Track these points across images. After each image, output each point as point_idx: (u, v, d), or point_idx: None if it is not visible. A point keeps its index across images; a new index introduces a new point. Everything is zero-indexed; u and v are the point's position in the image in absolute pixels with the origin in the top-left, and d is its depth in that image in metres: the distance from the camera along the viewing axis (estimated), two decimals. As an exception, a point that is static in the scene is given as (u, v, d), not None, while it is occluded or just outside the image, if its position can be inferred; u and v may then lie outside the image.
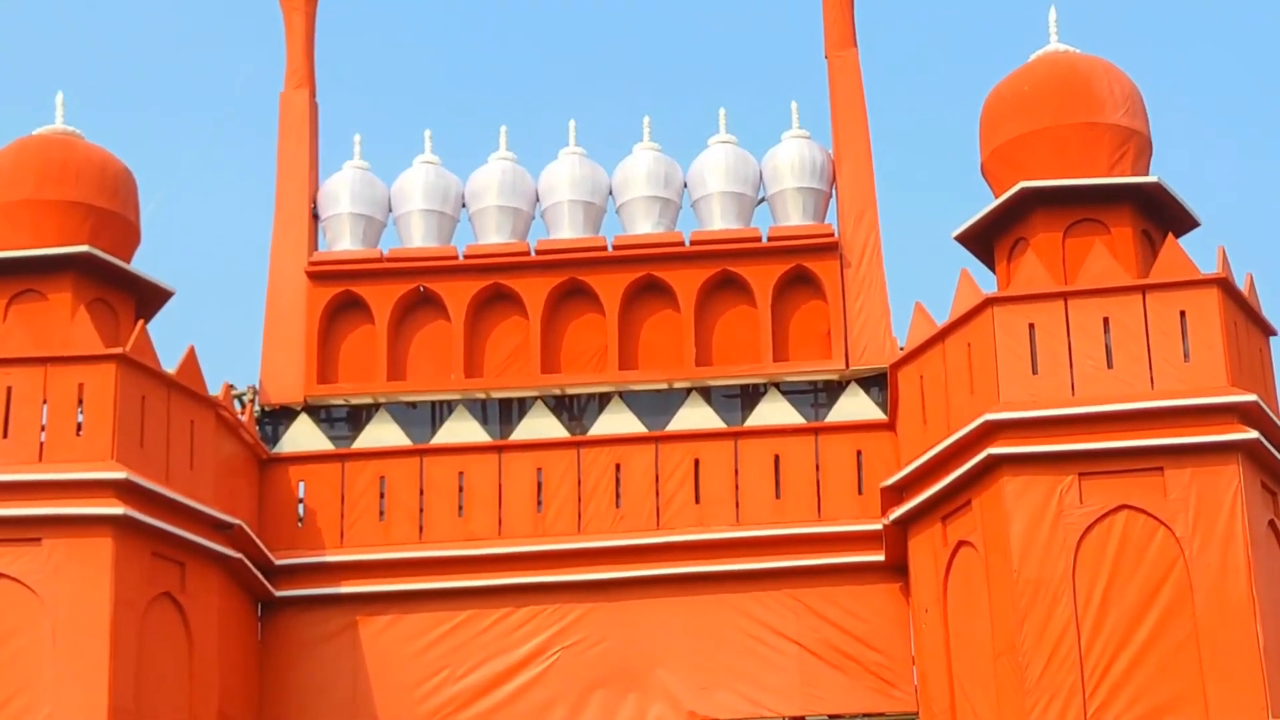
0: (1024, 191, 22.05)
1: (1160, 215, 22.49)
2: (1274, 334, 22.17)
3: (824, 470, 23.53)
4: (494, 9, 72.77)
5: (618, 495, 23.60)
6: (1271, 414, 20.86)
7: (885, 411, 23.66)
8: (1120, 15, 66.69)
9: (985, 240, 23.18)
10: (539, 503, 23.66)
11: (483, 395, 24.71)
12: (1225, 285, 20.88)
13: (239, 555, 22.14)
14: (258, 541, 22.68)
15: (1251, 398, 20.23)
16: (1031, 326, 20.93)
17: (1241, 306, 21.39)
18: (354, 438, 24.47)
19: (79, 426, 20.95)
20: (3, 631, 19.97)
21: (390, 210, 26.01)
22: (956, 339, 21.69)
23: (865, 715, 22.68)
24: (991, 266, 23.26)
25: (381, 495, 23.82)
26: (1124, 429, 20.31)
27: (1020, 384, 20.72)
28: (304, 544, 23.56)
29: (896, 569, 22.71)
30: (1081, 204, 22.22)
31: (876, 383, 24.01)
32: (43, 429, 20.89)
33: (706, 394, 24.52)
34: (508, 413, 24.66)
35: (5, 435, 20.82)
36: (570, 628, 22.94)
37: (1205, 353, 20.47)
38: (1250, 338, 21.41)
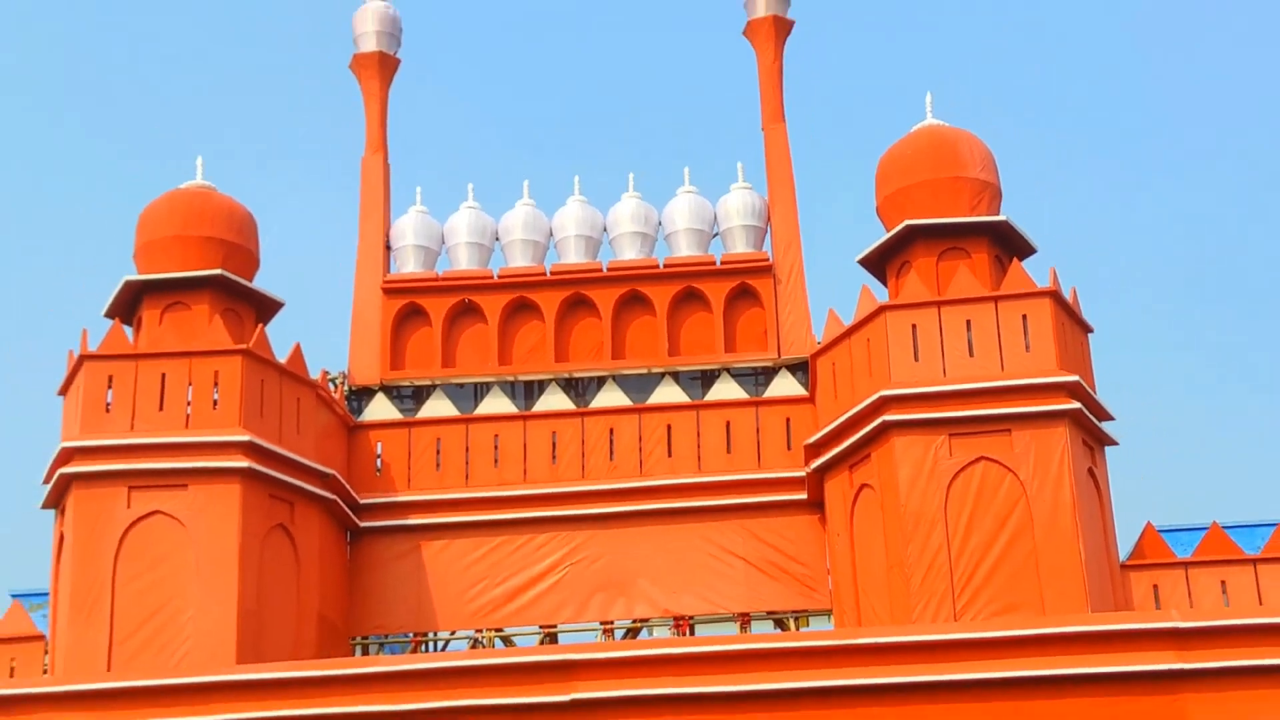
0: (907, 228, 22.19)
1: (1008, 244, 22.56)
2: (1091, 331, 22.35)
3: (762, 433, 23.73)
4: (520, 93, 73.19)
5: (611, 450, 23.75)
6: (1090, 390, 21.23)
7: (807, 389, 23.77)
8: (980, 96, 67.19)
9: (880, 263, 23.19)
10: (554, 457, 23.78)
11: (511, 378, 24.78)
12: (1055, 296, 21.20)
13: (333, 496, 22.43)
14: (347, 486, 22.89)
15: (1075, 379, 20.60)
16: (914, 326, 21.17)
17: (1067, 311, 21.66)
18: (417, 409, 24.61)
19: (215, 402, 21.14)
20: (160, 554, 20.27)
21: (443, 242, 25.99)
22: (859, 336, 21.85)
23: (794, 612, 23.01)
24: (884, 282, 23.25)
25: (438, 452, 23.93)
26: (982, 401, 20.59)
27: (905, 369, 20.95)
28: (381, 488, 23.69)
29: (816, 504, 22.88)
30: (950, 237, 22.32)
31: (801, 368, 24.07)
32: (188, 404, 21.11)
33: (676, 376, 24.61)
34: (530, 391, 24.76)
35: (161, 409, 21.01)
36: (577, 549, 23.12)
37: (1040, 345, 20.75)
38: (1074, 334, 21.70)
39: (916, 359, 21.01)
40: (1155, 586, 21.09)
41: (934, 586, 19.90)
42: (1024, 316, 20.93)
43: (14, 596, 23.20)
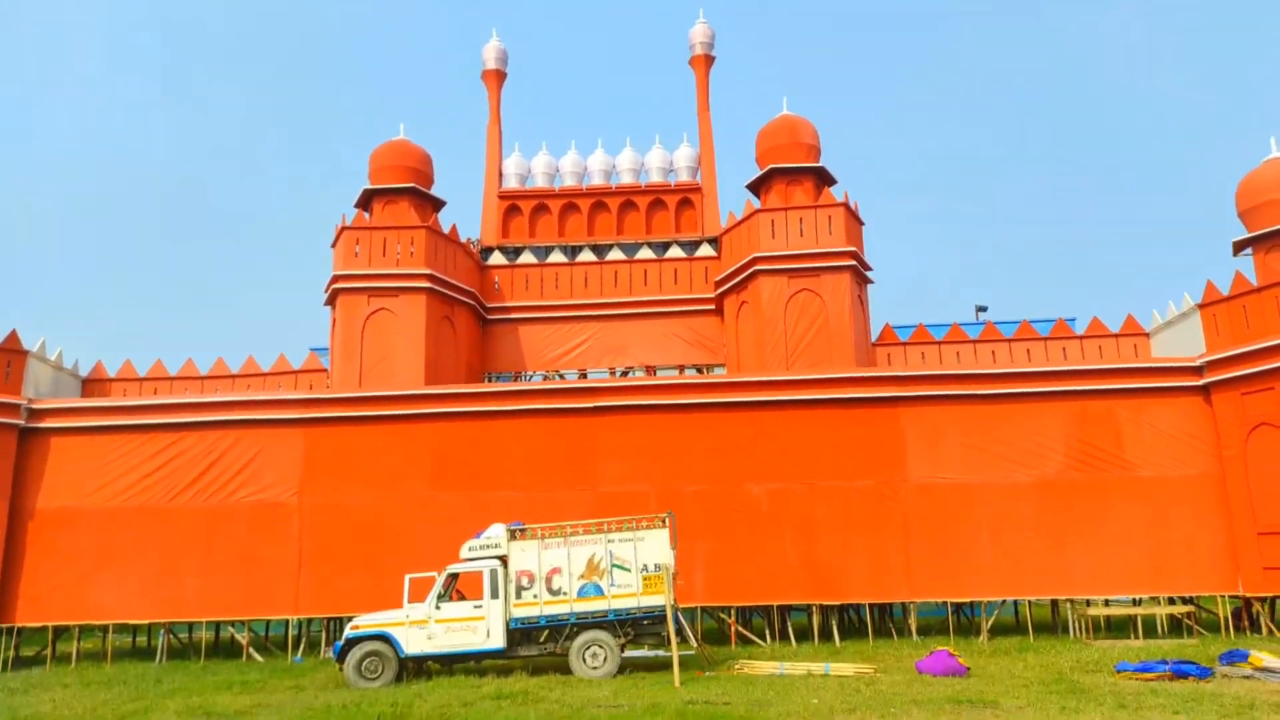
0: (771, 169, 22.17)
1: (824, 177, 22.32)
2: (864, 224, 22.29)
3: (693, 274, 23.92)
4: (568, 89, 71.20)
5: (615, 282, 23.92)
6: (861, 255, 21.45)
7: (717, 252, 23.90)
8: (817, 93, 65.84)
9: (756, 187, 22.81)
10: (585, 284, 23.93)
11: (564, 244, 24.94)
12: (845, 206, 21.43)
13: (474, 303, 22.91)
14: (480, 298, 23.35)
15: (853, 249, 21.01)
16: (772, 221, 21.38)
17: (852, 214, 21.72)
18: (516, 259, 24.65)
19: (412, 253, 21.33)
20: (384, 330, 20.78)
21: (529, 171, 26.01)
22: (744, 225, 22.06)
23: (706, 364, 23.41)
24: (759, 196, 22.88)
25: (526, 281, 24.14)
26: (805, 260, 20.89)
27: (769, 242, 21.22)
28: (497, 299, 23.98)
29: (719, 312, 23.31)
30: (792, 174, 22.16)
31: (714, 242, 24.26)
32: (398, 253, 21.31)
33: (650, 245, 24.74)
34: (574, 251, 24.88)
35: (384, 255, 21.26)
36: (597, 330, 23.57)
37: (836, 232, 21.02)
38: (854, 226, 21.72)
39: (773, 237, 21.26)
40: (889, 355, 21.97)
41: (778, 353, 20.55)
42: (829, 217, 21.21)
43: (311, 349, 23.83)
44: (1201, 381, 18.20)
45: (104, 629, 18.63)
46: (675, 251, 24.39)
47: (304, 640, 18.92)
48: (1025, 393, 18.38)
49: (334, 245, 21.80)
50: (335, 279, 21.24)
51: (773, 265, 20.97)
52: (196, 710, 11.33)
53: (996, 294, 70.94)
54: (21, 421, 18.52)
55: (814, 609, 17.80)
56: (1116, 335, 21.33)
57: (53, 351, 20.59)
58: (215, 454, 18.55)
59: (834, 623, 17.88)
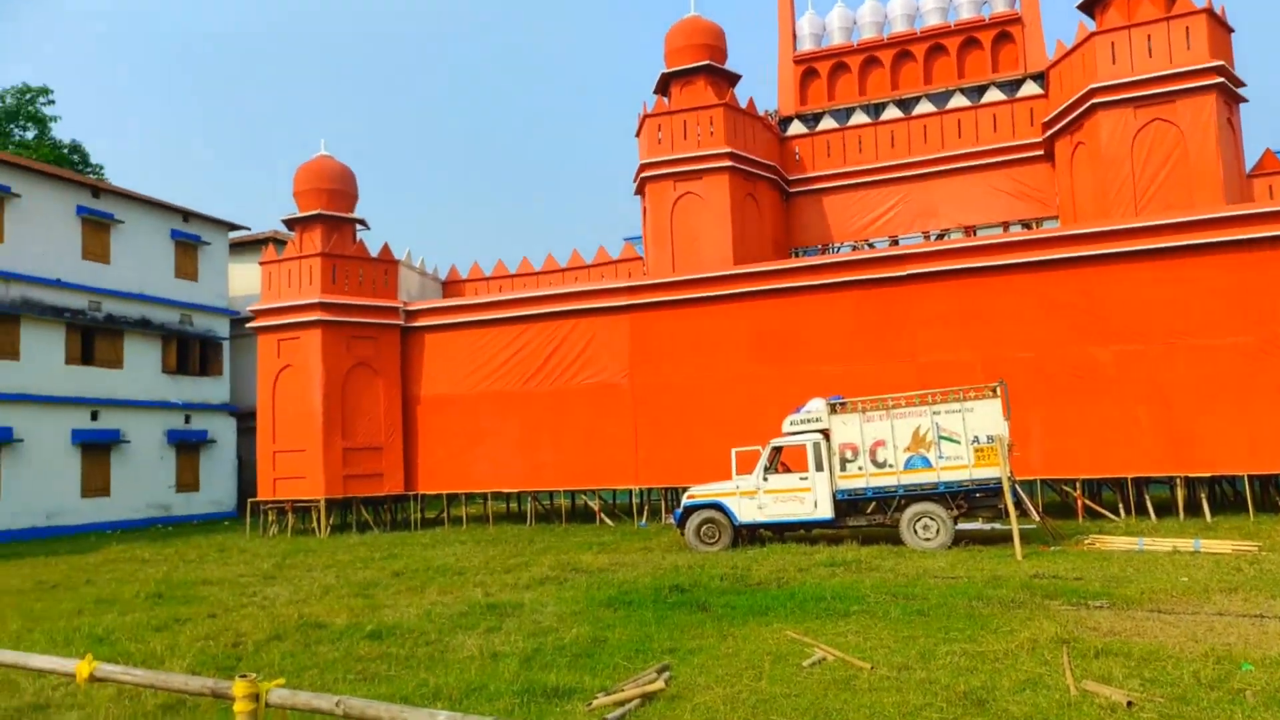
0: None
1: None
2: (1233, 31, 18.73)
3: (1015, 117, 21.83)
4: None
5: (925, 137, 22.50)
6: (1230, 69, 18.16)
7: (1043, 89, 21.50)
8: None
9: (1090, 5, 19.52)
10: (892, 144, 22.76)
11: (866, 103, 23.66)
12: (1210, 12, 18.05)
13: (775, 177, 22.62)
14: (781, 172, 23.03)
15: (1220, 64, 17.84)
16: (1113, 43, 18.65)
17: (1216, 20, 18.22)
18: (816, 126, 23.83)
19: (712, 133, 21.22)
20: (691, 214, 21.19)
21: (824, 29, 24.79)
22: (1077, 54, 19.51)
23: (1034, 219, 21.54)
24: (1093, 16, 19.76)
25: (827, 147, 23.42)
26: (1155, 85, 18.06)
27: (1108, 69, 18.62)
28: (798, 170, 23.55)
29: (1048, 158, 21.19)
30: None
31: (1039, 78, 21.80)
32: (698, 133, 21.36)
33: (963, 91, 22.78)
34: (877, 110, 23.51)
35: (685, 138, 21.40)
36: (907, 193, 22.41)
37: (1197, 46, 17.93)
38: (1220, 35, 18.30)
39: (1114, 63, 18.60)
40: (1270, 186, 18.78)
41: (1123, 197, 18.36)
42: (1186, 28, 18.09)
43: (625, 239, 25.06)
44: None
45: (483, 496, 21.83)
46: (993, 95, 22.20)
47: (646, 507, 20.81)
48: None
49: (638, 134, 22.45)
50: (642, 167, 21.94)
51: (1114, 96, 18.34)
52: (566, 566, 12.99)
53: None
54: (402, 322, 21.75)
55: (1177, 481, 16.14)
56: None
57: (416, 259, 23.69)
58: (556, 342, 20.55)
59: (1203, 496, 16.07)
